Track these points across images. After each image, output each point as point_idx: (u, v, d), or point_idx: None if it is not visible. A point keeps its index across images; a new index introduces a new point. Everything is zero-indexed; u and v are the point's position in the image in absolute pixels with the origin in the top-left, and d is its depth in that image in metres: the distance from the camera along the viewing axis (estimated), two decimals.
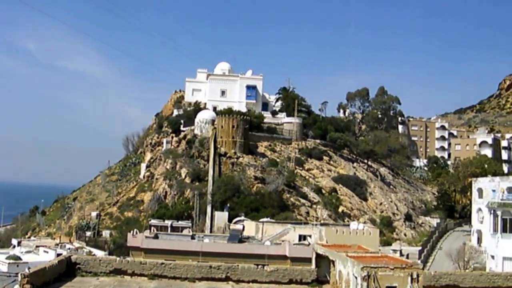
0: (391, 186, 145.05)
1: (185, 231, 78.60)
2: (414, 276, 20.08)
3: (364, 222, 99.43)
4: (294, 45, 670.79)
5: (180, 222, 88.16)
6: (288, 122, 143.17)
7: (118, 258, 29.63)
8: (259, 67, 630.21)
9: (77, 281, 26.84)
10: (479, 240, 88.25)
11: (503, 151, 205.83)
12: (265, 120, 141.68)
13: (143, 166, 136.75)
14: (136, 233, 69.74)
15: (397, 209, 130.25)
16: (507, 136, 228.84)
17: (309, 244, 61.16)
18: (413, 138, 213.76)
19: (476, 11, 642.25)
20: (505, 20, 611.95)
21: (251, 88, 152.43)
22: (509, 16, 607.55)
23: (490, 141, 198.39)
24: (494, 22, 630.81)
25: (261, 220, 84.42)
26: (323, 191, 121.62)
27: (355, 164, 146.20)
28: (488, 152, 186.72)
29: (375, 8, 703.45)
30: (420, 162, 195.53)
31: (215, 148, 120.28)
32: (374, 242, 68.74)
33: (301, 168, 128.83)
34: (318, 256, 27.21)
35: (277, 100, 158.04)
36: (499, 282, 29.18)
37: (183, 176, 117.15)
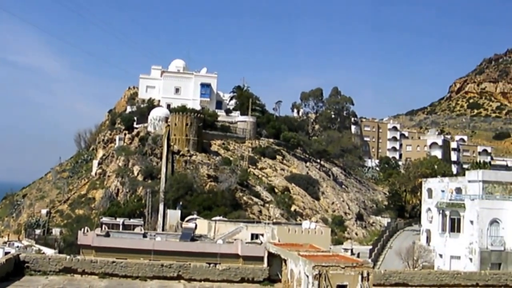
0: (343, 186, 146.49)
1: (137, 229, 78.02)
2: (365, 274, 20.27)
3: (316, 221, 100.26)
4: (249, 43, 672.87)
5: (132, 220, 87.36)
6: (242, 121, 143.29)
7: (68, 257, 29.12)
8: (214, 65, 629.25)
9: (25, 280, 26.33)
10: (428, 239, 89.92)
11: (452, 153, 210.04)
12: (219, 119, 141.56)
13: (95, 163, 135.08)
14: (87, 231, 68.97)
15: (348, 208, 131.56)
16: (457, 137, 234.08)
17: (261, 243, 61.37)
18: (366, 139, 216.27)
19: (427, 14, 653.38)
20: (455, 24, 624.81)
21: (205, 86, 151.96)
22: (459, 20, 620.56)
23: (440, 142, 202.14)
24: (444, 25, 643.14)
25: (213, 218, 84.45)
26: (276, 190, 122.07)
27: (308, 164, 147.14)
28: (438, 153, 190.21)
29: (326, 7, 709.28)
30: (372, 162, 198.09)
31: (168, 145, 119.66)
32: (326, 241, 69.40)
33: (254, 167, 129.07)
34: (270, 255, 27.28)
35: (231, 99, 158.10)
36: (447, 280, 29.77)
37: (135, 173, 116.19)
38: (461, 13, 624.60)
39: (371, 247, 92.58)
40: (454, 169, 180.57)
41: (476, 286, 30.05)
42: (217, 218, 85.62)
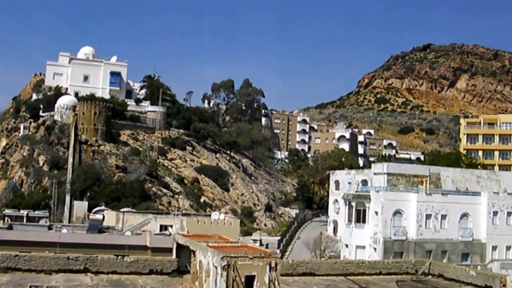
0: (253, 177, 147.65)
1: (42, 222, 76.00)
2: (273, 265, 20.60)
3: (226, 213, 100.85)
4: (160, 32, 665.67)
5: (36, 212, 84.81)
6: (152, 111, 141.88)
7: None
8: (124, 53, 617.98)
9: None
10: (335, 230, 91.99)
11: (359, 146, 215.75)
12: (128, 108, 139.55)
13: None
14: None
15: (258, 199, 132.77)
16: (364, 131, 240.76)
17: (170, 234, 61.16)
18: (275, 131, 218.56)
19: (338, 9, 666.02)
20: (365, 22, 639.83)
21: (115, 75, 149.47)
22: (369, 18, 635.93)
23: (348, 135, 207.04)
24: (353, 22, 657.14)
25: (122, 210, 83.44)
26: (186, 181, 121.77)
27: (218, 155, 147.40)
28: (345, 146, 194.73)
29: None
30: (281, 154, 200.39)
31: (76, 135, 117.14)
32: (235, 232, 69.95)
33: (163, 158, 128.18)
34: (179, 246, 27.26)
35: (141, 88, 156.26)
36: (352, 269, 30.68)
37: (41, 163, 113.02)
38: (371, 12, 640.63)
39: (279, 237, 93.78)
40: (360, 161, 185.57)
41: (380, 274, 31.16)
42: (126, 209, 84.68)
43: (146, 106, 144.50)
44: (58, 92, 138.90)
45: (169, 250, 29.89)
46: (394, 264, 32.64)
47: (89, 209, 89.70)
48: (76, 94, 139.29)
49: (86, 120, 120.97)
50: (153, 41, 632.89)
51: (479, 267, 60.72)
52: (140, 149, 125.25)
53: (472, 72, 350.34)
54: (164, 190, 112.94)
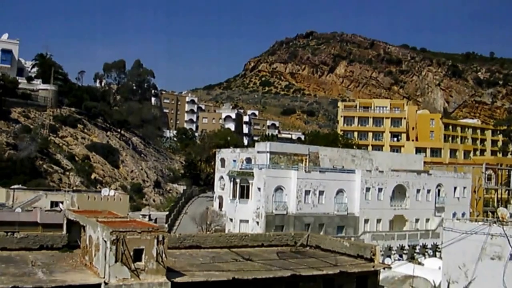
0: (142, 155, 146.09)
1: None
2: (160, 238, 20.75)
3: (116, 189, 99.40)
4: (53, 11, 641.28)
5: None
6: (44, 89, 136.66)
7: None
8: (16, 32, 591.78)
9: None
10: (220, 205, 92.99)
11: (244, 126, 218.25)
12: (19, 86, 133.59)
13: None
14: None
15: (147, 176, 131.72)
16: (249, 112, 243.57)
17: (61, 210, 59.75)
18: (165, 110, 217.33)
19: None
20: (251, 7, 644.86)
21: (6, 52, 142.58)
22: (255, 4, 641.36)
23: (233, 116, 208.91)
24: (241, 7, 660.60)
25: (12, 187, 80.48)
26: (77, 159, 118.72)
27: (108, 133, 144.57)
28: (231, 126, 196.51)
29: None
30: (170, 133, 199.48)
31: None
32: (124, 207, 69.32)
33: (55, 135, 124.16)
34: (70, 222, 26.78)
35: (33, 66, 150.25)
36: (236, 242, 31.30)
37: None
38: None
39: (167, 213, 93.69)
40: (245, 140, 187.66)
41: (262, 246, 31.96)
42: (16, 186, 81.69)
43: (38, 84, 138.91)
44: None
45: (60, 226, 29.28)
46: (275, 236, 33.54)
47: None
48: None
49: None
50: (46, 20, 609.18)
51: (352, 239, 63.43)
52: (31, 126, 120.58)
53: (350, 59, 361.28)
54: (55, 167, 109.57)
